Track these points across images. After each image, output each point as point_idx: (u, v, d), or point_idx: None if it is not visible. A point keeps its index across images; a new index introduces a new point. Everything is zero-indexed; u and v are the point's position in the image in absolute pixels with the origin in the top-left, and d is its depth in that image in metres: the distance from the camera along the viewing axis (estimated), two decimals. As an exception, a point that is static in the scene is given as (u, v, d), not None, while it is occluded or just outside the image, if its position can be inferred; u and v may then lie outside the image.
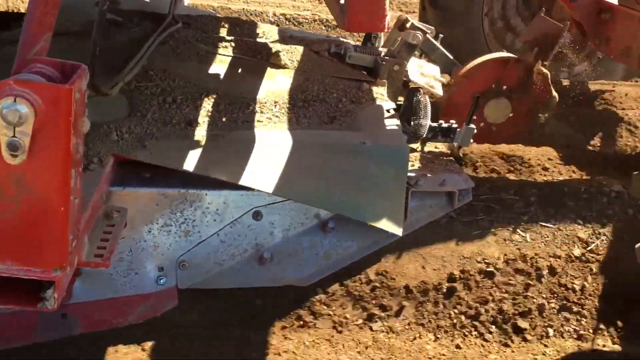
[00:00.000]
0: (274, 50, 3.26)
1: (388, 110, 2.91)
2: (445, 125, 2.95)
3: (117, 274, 2.41)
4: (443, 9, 4.48)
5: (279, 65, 3.16)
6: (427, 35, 3.43)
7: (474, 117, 2.93)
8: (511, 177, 3.23)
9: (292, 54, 3.26)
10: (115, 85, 2.38)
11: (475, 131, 2.95)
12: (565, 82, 4.46)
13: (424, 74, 3.47)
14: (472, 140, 2.96)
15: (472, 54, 3.68)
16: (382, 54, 3.31)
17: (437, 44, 3.57)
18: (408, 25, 3.38)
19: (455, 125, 2.94)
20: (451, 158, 2.97)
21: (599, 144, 3.88)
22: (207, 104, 2.72)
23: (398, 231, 2.51)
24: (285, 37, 3.64)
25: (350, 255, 2.66)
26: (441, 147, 3.08)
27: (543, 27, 3.66)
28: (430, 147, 3.08)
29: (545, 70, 3.52)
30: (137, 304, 2.42)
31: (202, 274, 2.50)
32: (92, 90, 2.07)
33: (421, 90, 2.87)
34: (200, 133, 2.51)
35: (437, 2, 4.50)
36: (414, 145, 3.00)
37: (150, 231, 2.41)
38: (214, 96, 2.77)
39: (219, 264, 2.51)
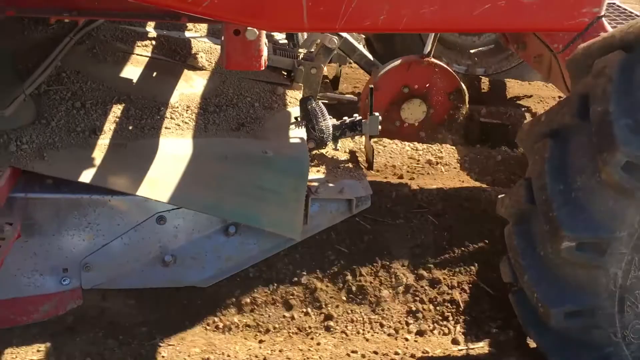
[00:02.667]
0: (193, 50, 3.33)
1: (296, 118, 3.03)
2: (348, 120, 3.09)
3: (22, 274, 2.52)
4: None
5: (196, 67, 3.24)
6: (346, 37, 3.54)
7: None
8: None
9: (211, 55, 3.34)
10: (11, 103, 2.44)
11: (381, 118, 3.08)
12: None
13: None
14: (379, 127, 3.10)
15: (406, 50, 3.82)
16: (301, 56, 3.42)
17: (357, 45, 3.67)
18: (327, 28, 3.47)
19: (359, 118, 3.09)
20: (356, 164, 3.12)
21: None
22: (117, 109, 2.81)
23: (296, 236, 2.69)
24: (216, 29, 3.71)
25: (251, 258, 2.80)
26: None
27: None
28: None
29: (435, 61, 3.64)
30: (41, 303, 2.55)
31: (106, 275, 2.63)
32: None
33: (311, 98, 2.98)
34: (104, 142, 2.60)
35: None
36: (323, 150, 3.14)
37: (54, 235, 2.52)
38: (125, 100, 2.86)
39: (123, 266, 2.64)
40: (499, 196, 2.44)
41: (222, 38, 2.06)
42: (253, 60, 1.95)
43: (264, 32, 2.00)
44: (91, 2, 2.05)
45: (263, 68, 2.05)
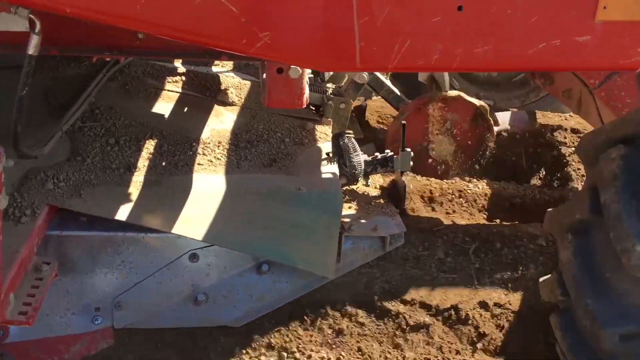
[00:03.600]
0: (223, 85, 3.35)
1: (328, 154, 3.01)
2: (380, 156, 3.07)
3: (54, 313, 2.49)
4: None
5: (227, 102, 3.25)
6: (376, 73, 3.55)
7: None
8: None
9: (240, 90, 3.35)
10: (49, 141, 2.45)
11: (412, 154, 3.06)
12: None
13: None
14: (411, 163, 3.08)
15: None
16: (329, 91, 3.42)
17: (385, 80, 3.68)
18: (356, 63, 3.48)
19: (390, 154, 3.07)
20: (387, 201, 3.09)
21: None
22: (150, 145, 2.81)
23: (329, 274, 2.65)
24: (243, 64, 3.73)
25: (284, 297, 2.76)
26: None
27: None
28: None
29: (447, 94, 3.61)
30: (73, 343, 2.51)
31: (138, 315, 2.59)
32: (18, 157, 2.14)
33: (344, 134, 2.98)
34: (139, 179, 2.59)
35: None
36: (354, 186, 3.12)
37: (87, 273, 2.49)
38: (158, 136, 2.86)
39: (155, 305, 2.61)
40: (548, 211, 2.37)
41: (264, 76, 2.06)
42: (295, 98, 1.95)
43: (306, 70, 2.00)
44: (132, 41, 2.05)
45: (304, 106, 2.04)
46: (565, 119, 4.57)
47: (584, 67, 1.77)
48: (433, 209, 3.40)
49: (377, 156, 3.06)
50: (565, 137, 4.36)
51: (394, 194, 3.18)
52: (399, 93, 3.72)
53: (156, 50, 2.12)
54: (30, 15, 1.75)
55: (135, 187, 2.55)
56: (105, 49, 2.15)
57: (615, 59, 1.73)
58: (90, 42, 2.15)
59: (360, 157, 3.01)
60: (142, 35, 2.00)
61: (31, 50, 1.83)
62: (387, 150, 3.08)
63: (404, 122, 3.09)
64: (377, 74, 3.61)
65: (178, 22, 1.53)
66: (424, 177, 3.58)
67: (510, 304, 2.84)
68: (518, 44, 1.64)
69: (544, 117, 4.55)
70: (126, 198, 2.47)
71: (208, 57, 2.22)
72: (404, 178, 3.15)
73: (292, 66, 1.91)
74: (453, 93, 3.68)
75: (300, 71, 1.94)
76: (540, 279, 2.41)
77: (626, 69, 1.82)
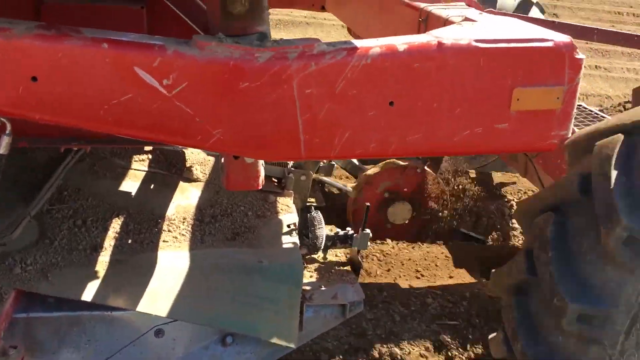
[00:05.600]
0: (188, 162, 3.50)
1: (289, 225, 3.16)
2: (341, 233, 3.22)
3: (21, 395, 2.52)
4: None
5: (192, 179, 3.39)
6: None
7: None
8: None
9: (205, 167, 3.50)
10: (17, 226, 2.55)
11: (371, 235, 3.22)
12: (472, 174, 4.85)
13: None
14: (369, 244, 3.23)
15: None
16: (290, 165, 3.59)
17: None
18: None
19: (351, 232, 3.22)
20: (347, 268, 3.22)
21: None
22: (117, 225, 2.92)
23: (291, 344, 2.74)
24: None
25: (249, 367, 2.84)
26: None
27: None
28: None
29: (432, 173, 3.88)
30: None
31: (105, 390, 2.63)
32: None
33: (312, 207, 3.14)
34: (105, 259, 2.69)
35: None
36: (315, 255, 3.25)
37: (54, 353, 2.54)
38: (125, 215, 2.97)
39: (121, 382, 2.66)
40: (492, 272, 2.53)
41: (222, 160, 2.22)
42: (252, 180, 2.10)
43: (261, 156, 2.16)
44: (99, 133, 2.21)
45: (260, 187, 2.20)
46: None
47: (505, 150, 1.97)
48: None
49: (338, 232, 3.22)
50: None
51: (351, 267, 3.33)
52: (356, 162, 3.92)
53: (122, 139, 2.27)
54: (2, 118, 1.89)
55: (101, 267, 2.64)
56: (74, 139, 2.30)
57: (532, 142, 1.94)
58: (59, 133, 2.29)
59: (324, 231, 3.16)
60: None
61: (2, 150, 1.96)
62: (347, 228, 3.24)
63: (367, 204, 3.26)
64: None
65: (139, 124, 1.69)
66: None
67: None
68: (445, 132, 1.83)
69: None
70: (92, 278, 2.56)
71: (181, 144, 2.38)
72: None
73: (247, 154, 2.07)
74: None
75: (254, 157, 2.11)
76: (490, 336, 2.56)
77: (543, 150, 2.03)
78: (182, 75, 1.65)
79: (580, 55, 1.92)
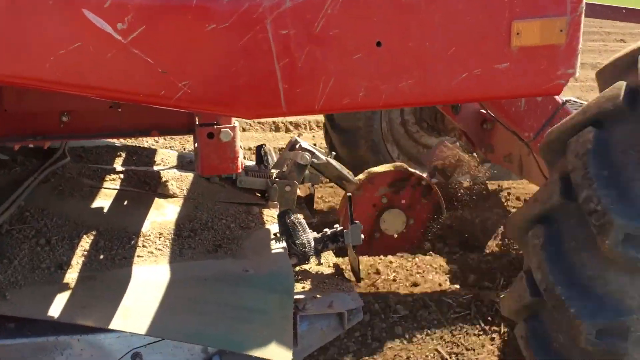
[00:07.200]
0: (163, 179, 3.26)
1: (275, 234, 2.90)
2: (329, 231, 2.96)
3: None
4: (344, 131, 4.64)
5: (168, 195, 3.15)
6: (317, 153, 3.54)
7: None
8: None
9: (181, 182, 3.26)
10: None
11: (363, 227, 2.96)
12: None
13: None
14: (362, 236, 2.96)
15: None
16: (274, 175, 3.37)
17: (330, 160, 3.67)
18: (297, 146, 3.48)
19: (340, 228, 2.96)
20: (343, 275, 2.96)
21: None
22: (85, 243, 2.65)
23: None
24: (184, 163, 3.69)
25: (239, 389, 2.52)
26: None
27: (444, 154, 3.94)
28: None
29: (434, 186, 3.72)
30: None
31: None
32: None
33: (289, 211, 2.89)
34: (71, 276, 2.41)
35: (338, 126, 4.67)
36: (306, 266, 2.98)
37: (17, 384, 2.23)
38: (94, 233, 2.71)
39: (95, 417, 2.33)
40: (501, 296, 2.30)
41: (195, 145, 1.99)
42: (229, 162, 1.89)
43: (238, 133, 1.94)
44: (55, 125, 1.98)
45: (240, 170, 1.97)
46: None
47: (507, 94, 1.78)
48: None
49: (326, 232, 2.97)
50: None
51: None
52: (346, 173, 3.70)
53: (81, 132, 2.05)
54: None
55: (67, 285, 2.36)
56: (29, 135, 2.07)
57: (537, 84, 1.75)
58: (14, 129, 2.06)
59: (309, 235, 2.90)
60: (65, 117, 1.93)
61: None
62: (335, 225, 2.99)
63: (349, 194, 3.04)
64: (321, 155, 3.60)
65: (91, 78, 1.47)
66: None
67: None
68: (441, 76, 1.64)
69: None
70: (57, 297, 2.27)
71: (138, 134, 2.16)
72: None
73: (222, 129, 1.86)
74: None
75: (232, 134, 1.89)
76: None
77: (549, 92, 1.84)
78: (138, 17, 1.44)
79: None
